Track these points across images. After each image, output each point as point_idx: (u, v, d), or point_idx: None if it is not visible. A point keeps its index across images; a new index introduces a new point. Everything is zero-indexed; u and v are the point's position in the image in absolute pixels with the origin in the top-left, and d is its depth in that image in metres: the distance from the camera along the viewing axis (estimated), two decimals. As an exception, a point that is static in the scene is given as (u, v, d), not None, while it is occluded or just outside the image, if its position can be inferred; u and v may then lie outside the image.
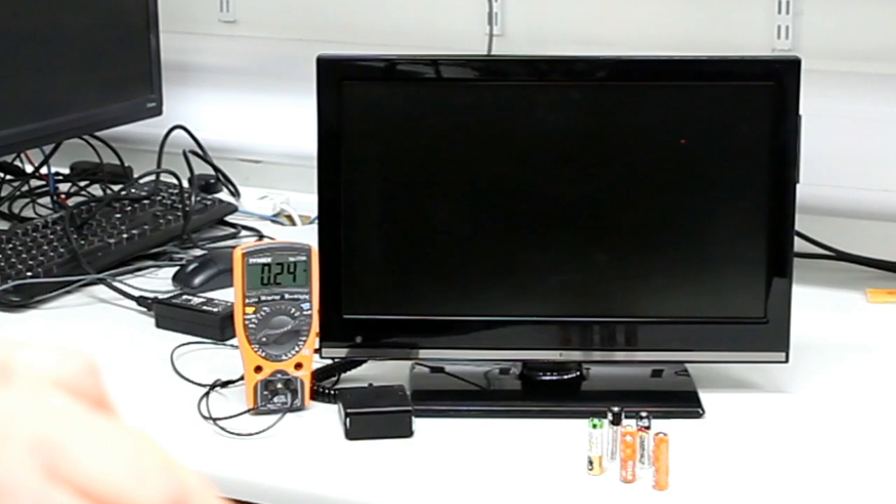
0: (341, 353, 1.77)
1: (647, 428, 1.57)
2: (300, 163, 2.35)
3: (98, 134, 2.49)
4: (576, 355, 1.78)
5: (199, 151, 2.47)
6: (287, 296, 1.71)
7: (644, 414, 1.59)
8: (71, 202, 2.42)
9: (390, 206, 1.77)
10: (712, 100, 1.73)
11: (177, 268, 2.17)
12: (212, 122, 2.56)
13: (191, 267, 2.15)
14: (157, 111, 2.49)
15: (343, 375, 1.80)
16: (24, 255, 2.14)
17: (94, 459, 0.44)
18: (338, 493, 1.57)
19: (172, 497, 0.45)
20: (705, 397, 1.74)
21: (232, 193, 2.50)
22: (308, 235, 1.87)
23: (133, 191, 2.38)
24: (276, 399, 1.71)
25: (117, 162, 2.51)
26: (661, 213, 1.75)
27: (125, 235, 2.24)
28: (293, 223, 2.44)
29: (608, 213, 1.75)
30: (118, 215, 2.31)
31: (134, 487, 0.44)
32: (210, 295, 2.03)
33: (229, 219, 2.42)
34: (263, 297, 1.70)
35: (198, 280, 2.12)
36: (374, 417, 1.67)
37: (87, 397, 0.47)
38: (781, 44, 2.22)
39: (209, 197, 2.43)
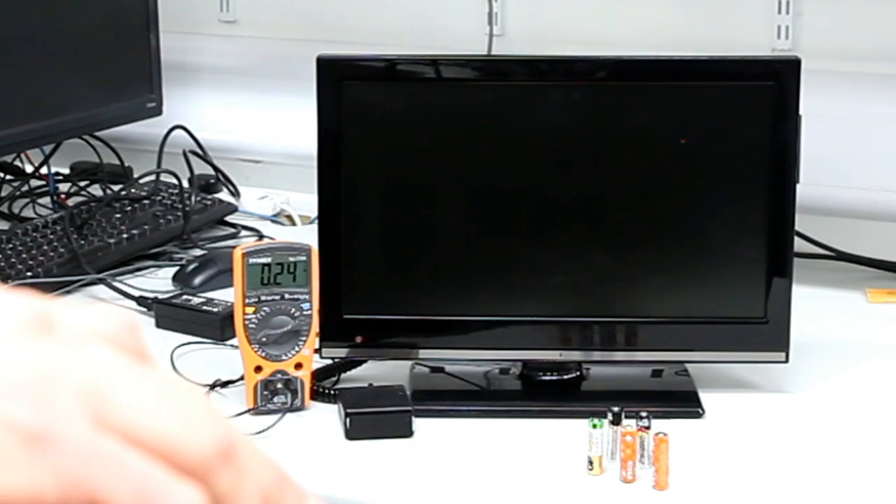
0: (341, 353, 1.77)
1: (647, 428, 1.57)
2: (300, 163, 2.35)
3: (98, 134, 2.49)
4: (576, 355, 1.78)
5: (199, 151, 2.47)
6: (287, 296, 1.71)
7: (644, 414, 1.59)
8: (71, 202, 2.42)
9: (390, 205, 1.77)
10: (712, 100, 1.73)
11: (177, 268, 2.17)
12: (212, 122, 2.56)
13: (191, 267, 2.15)
14: (157, 111, 2.49)
15: (343, 375, 1.80)
16: (24, 255, 2.14)
17: (143, 407, 0.44)
18: (338, 493, 1.56)
19: (221, 444, 0.45)
20: (705, 397, 1.74)
21: (232, 193, 2.50)
22: (308, 235, 1.87)
23: (133, 191, 2.38)
24: (276, 399, 1.71)
25: (117, 162, 2.51)
26: (661, 212, 1.75)
27: (125, 235, 2.24)
28: (293, 223, 2.44)
29: (608, 213, 1.75)
30: (118, 215, 2.31)
31: (184, 434, 0.44)
32: (210, 295, 2.03)
33: (229, 219, 2.42)
34: (263, 297, 1.70)
35: (198, 280, 2.12)
36: (374, 417, 1.67)
37: (130, 351, 0.47)
38: (781, 44, 2.22)
39: (209, 197, 2.43)
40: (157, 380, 0.46)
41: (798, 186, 1.72)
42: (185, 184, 2.34)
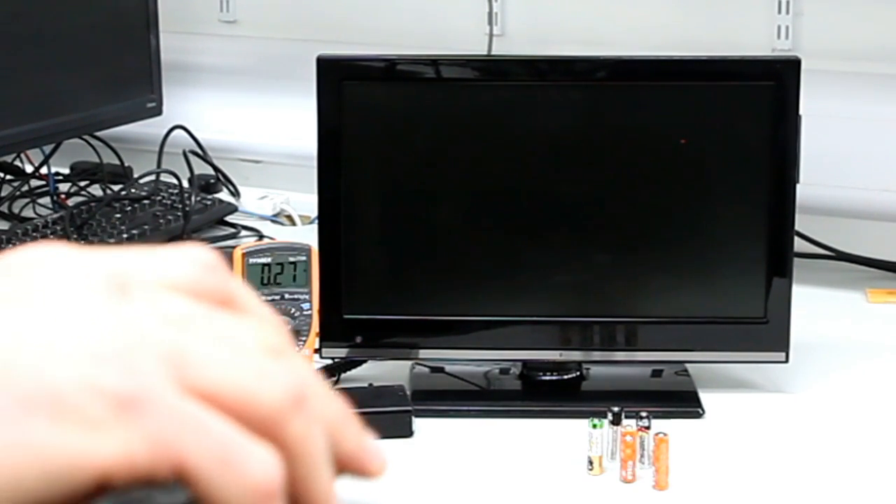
0: (341, 353, 1.77)
1: (647, 428, 1.57)
2: (300, 163, 2.35)
3: (98, 134, 2.49)
4: (576, 355, 1.78)
5: (199, 151, 2.47)
6: (287, 296, 1.71)
7: (644, 414, 1.59)
8: (71, 202, 2.42)
9: (390, 205, 1.77)
10: (712, 100, 1.73)
11: (177, 268, 2.17)
12: (212, 122, 2.56)
13: (191, 267, 2.14)
14: (157, 111, 2.49)
15: (343, 375, 1.80)
16: (24, 255, 2.13)
17: (217, 362, 0.45)
18: (337, 493, 1.56)
19: (293, 390, 0.46)
20: (705, 397, 1.74)
21: (232, 193, 2.50)
22: (308, 235, 1.87)
23: (133, 191, 2.38)
24: (276, 399, 1.71)
25: (117, 162, 2.51)
26: (661, 213, 1.75)
27: (125, 235, 2.24)
28: (293, 223, 2.44)
29: (608, 212, 1.75)
30: (118, 215, 2.31)
31: (256, 385, 0.45)
32: (210, 295, 2.02)
33: (229, 219, 2.42)
34: (263, 297, 1.70)
35: (198, 280, 2.11)
36: (374, 417, 1.66)
37: (208, 295, 0.48)
38: (781, 44, 2.22)
39: (209, 197, 2.43)
40: (231, 328, 0.46)
41: (798, 186, 1.72)
42: (185, 184, 2.34)
